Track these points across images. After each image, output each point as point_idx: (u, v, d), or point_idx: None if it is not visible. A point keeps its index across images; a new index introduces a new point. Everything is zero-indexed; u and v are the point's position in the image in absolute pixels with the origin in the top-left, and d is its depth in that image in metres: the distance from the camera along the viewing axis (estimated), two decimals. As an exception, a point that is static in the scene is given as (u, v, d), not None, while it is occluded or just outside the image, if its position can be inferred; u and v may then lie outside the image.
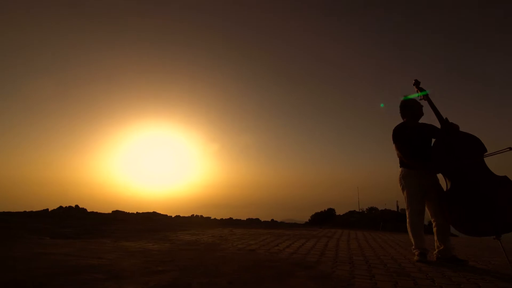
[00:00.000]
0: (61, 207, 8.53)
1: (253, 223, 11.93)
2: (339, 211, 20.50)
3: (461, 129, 3.24)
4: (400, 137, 3.32)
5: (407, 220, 3.25)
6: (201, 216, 13.92)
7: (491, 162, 3.06)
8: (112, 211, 9.64)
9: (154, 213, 10.98)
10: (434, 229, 3.16)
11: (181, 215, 13.08)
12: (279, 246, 4.07)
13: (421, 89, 3.56)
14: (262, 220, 14.50)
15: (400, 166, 3.34)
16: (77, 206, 8.86)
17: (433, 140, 3.30)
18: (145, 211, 11.10)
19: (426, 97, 3.47)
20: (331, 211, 21.12)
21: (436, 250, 3.11)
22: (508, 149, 2.97)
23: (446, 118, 3.28)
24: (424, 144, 3.29)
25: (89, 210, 8.97)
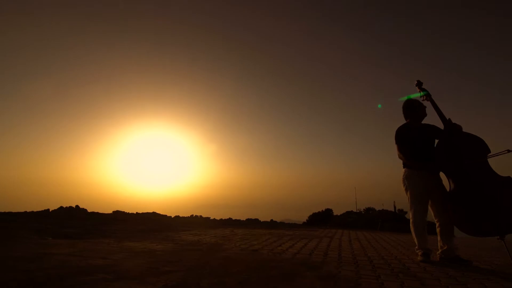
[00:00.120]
0: (61, 207, 8.50)
1: (253, 223, 11.92)
2: (337, 212, 20.52)
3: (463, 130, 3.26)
4: (403, 138, 3.33)
5: (410, 220, 3.27)
6: (201, 216, 13.89)
7: (491, 163, 3.08)
8: (113, 211, 9.62)
9: (154, 213, 10.95)
10: (438, 230, 3.16)
11: (181, 215, 13.06)
12: (282, 246, 4.07)
13: (423, 90, 3.58)
14: (261, 221, 14.50)
15: (404, 167, 3.35)
16: (77, 206, 8.84)
17: (436, 140, 3.32)
18: (144, 211, 11.08)
19: (429, 98, 3.49)
20: (328, 212, 21.12)
21: (440, 250, 3.12)
22: (507, 152, 2.99)
23: (449, 119, 3.30)
24: (427, 145, 3.30)
25: (89, 210, 8.96)
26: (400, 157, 3.32)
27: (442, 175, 3.24)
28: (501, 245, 2.85)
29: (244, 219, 14.20)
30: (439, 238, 3.15)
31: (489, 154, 3.05)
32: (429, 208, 3.25)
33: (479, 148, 3.09)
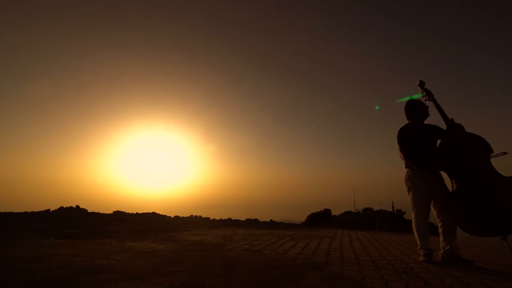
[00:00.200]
0: (62, 207, 8.49)
1: (252, 223, 11.93)
2: (335, 212, 20.58)
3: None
4: (405, 138, 3.34)
5: (413, 220, 3.27)
6: (200, 216, 13.89)
7: (493, 163, 3.09)
8: (113, 212, 9.61)
9: (154, 214, 10.95)
10: (440, 230, 3.18)
11: (180, 215, 13.06)
12: (284, 246, 4.08)
13: (426, 90, 3.58)
14: (261, 221, 14.51)
15: (406, 167, 3.35)
16: (78, 206, 8.83)
17: (439, 141, 3.33)
18: (144, 212, 11.08)
19: (431, 98, 3.50)
20: (327, 212, 21.16)
21: (442, 251, 3.13)
22: (503, 154, 3.01)
23: (451, 119, 3.31)
24: (429, 145, 3.30)
25: (89, 210, 8.95)
26: (401, 157, 3.32)
27: (444, 175, 3.25)
28: (503, 245, 2.87)
29: (244, 219, 14.21)
30: (441, 238, 3.16)
31: (490, 156, 3.06)
32: (431, 208, 3.26)
33: (481, 148, 3.10)
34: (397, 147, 3.36)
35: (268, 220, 15.08)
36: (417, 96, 3.63)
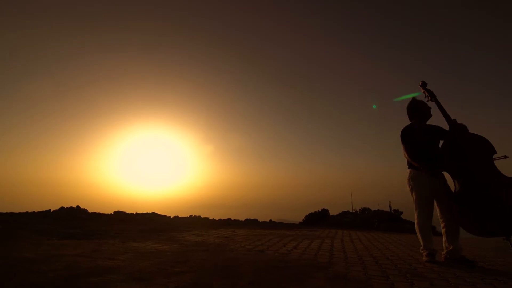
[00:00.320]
0: (62, 207, 8.45)
1: (252, 223, 11.91)
2: (332, 212, 20.56)
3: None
4: (408, 138, 3.34)
5: (415, 221, 3.28)
6: (200, 216, 13.86)
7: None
8: (114, 212, 9.58)
9: (154, 214, 10.91)
10: (443, 230, 3.18)
11: (180, 215, 13.02)
12: (286, 246, 4.08)
13: (428, 91, 3.59)
14: (260, 221, 14.50)
15: (409, 167, 3.36)
16: (78, 206, 8.79)
17: (442, 141, 3.34)
18: (144, 212, 11.04)
19: (433, 98, 3.50)
20: (325, 212, 21.14)
21: (445, 251, 3.14)
22: (503, 157, 3.02)
23: (454, 119, 3.32)
24: (432, 146, 3.31)
25: (89, 211, 8.91)
26: (406, 157, 3.32)
27: (447, 176, 3.26)
28: (504, 245, 2.88)
29: (243, 219, 14.20)
30: (444, 238, 3.16)
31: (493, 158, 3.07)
32: (434, 208, 3.27)
33: (484, 148, 3.11)
34: (401, 147, 3.37)
35: (267, 220, 15.07)
36: (414, 95, 3.64)
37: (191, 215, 13.83)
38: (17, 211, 8.11)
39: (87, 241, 3.86)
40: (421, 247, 3.23)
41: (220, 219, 13.23)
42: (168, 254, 3.09)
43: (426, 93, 3.60)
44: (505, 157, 3.01)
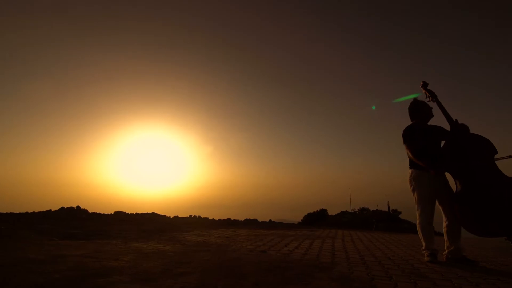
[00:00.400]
0: (63, 208, 8.44)
1: (252, 223, 11.92)
2: (331, 212, 20.61)
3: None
4: (410, 138, 3.35)
5: (417, 221, 3.30)
6: (199, 216, 13.86)
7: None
8: (114, 212, 9.57)
9: (154, 214, 10.91)
10: (444, 230, 3.20)
11: (179, 215, 13.02)
12: (288, 247, 4.09)
13: (429, 91, 3.61)
14: (260, 221, 14.51)
15: (410, 167, 3.37)
16: (78, 207, 8.78)
17: (443, 141, 3.36)
18: (144, 212, 11.04)
19: (435, 99, 3.52)
20: (323, 212, 21.19)
21: (446, 251, 3.16)
22: (508, 157, 3.04)
23: (456, 120, 3.34)
24: (433, 146, 3.32)
25: (89, 211, 8.91)
26: (410, 157, 3.30)
27: (448, 176, 3.28)
28: (505, 245, 2.90)
29: (243, 219, 14.21)
30: (445, 238, 3.18)
31: (495, 158, 3.09)
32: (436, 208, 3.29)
33: (485, 149, 3.13)
34: (403, 147, 3.38)
35: (266, 220, 15.08)
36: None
37: (191, 215, 13.82)
38: (17, 211, 8.11)
39: (89, 242, 3.86)
40: (423, 247, 3.24)
41: (220, 219, 13.23)
42: (171, 255, 3.09)
43: (427, 94, 3.62)
44: (510, 157, 3.02)
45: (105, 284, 1.95)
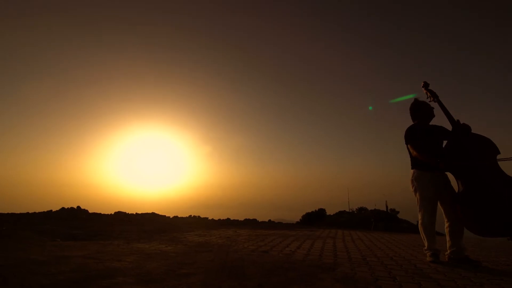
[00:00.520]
0: (63, 208, 8.42)
1: (252, 223, 11.92)
2: (329, 211, 20.64)
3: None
4: (412, 138, 3.35)
5: (419, 221, 3.30)
6: (199, 216, 13.86)
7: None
8: (114, 212, 9.56)
9: (154, 214, 10.90)
10: (447, 230, 3.20)
11: (179, 215, 13.01)
12: (290, 247, 4.10)
13: (430, 91, 3.61)
14: (259, 220, 14.51)
15: (412, 168, 3.37)
16: (79, 207, 8.76)
17: (445, 142, 3.36)
18: (144, 212, 11.04)
19: (436, 99, 3.52)
20: (322, 211, 21.21)
21: (449, 251, 3.16)
22: None
23: (457, 120, 3.34)
24: (435, 146, 3.32)
25: (90, 211, 8.89)
26: (416, 155, 3.25)
27: (450, 176, 3.28)
28: (508, 245, 2.91)
29: (242, 219, 14.20)
30: (448, 238, 3.18)
31: (498, 158, 3.10)
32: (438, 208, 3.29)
33: (488, 149, 3.13)
34: (404, 147, 3.39)
35: (265, 219, 15.08)
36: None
37: (191, 215, 13.82)
38: (18, 212, 8.09)
39: (91, 242, 3.86)
40: (425, 248, 3.25)
41: (219, 219, 13.22)
42: (174, 255, 3.09)
43: (429, 94, 3.61)
44: None
45: (109, 286, 1.94)
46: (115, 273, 2.25)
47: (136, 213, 10.54)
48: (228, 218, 13.90)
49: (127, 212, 10.03)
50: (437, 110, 3.47)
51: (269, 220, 15.04)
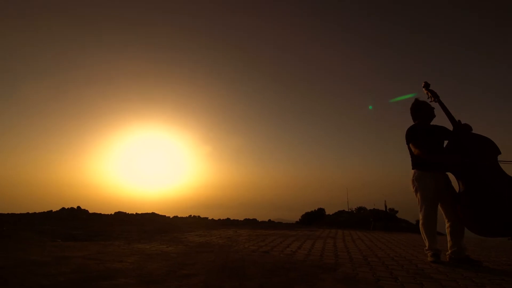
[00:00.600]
0: (63, 208, 8.41)
1: (252, 223, 11.92)
2: (329, 211, 20.66)
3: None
4: (413, 138, 3.34)
5: (420, 221, 3.29)
6: (199, 216, 13.85)
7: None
8: (115, 212, 9.55)
9: (153, 214, 10.89)
10: (447, 230, 3.20)
11: (179, 215, 13.00)
12: (290, 247, 4.09)
13: (431, 91, 3.60)
14: (259, 220, 14.50)
15: (413, 168, 3.37)
16: (79, 207, 8.75)
17: (446, 142, 3.36)
18: (143, 212, 11.03)
19: (437, 99, 3.51)
20: (321, 211, 21.21)
21: (450, 251, 3.16)
22: None
23: (459, 120, 3.34)
24: (436, 146, 3.32)
25: (90, 211, 8.87)
26: (418, 155, 3.22)
27: (451, 176, 3.28)
28: (508, 245, 2.91)
29: (242, 219, 14.19)
30: (448, 238, 3.18)
31: (499, 161, 3.09)
32: (439, 208, 3.29)
33: (489, 149, 3.13)
34: (405, 147, 3.38)
35: (265, 219, 15.08)
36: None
37: (190, 215, 13.81)
38: (18, 212, 8.08)
39: (92, 243, 3.85)
40: (426, 248, 3.24)
41: (219, 219, 13.22)
42: (175, 256, 3.08)
43: (429, 94, 3.61)
44: None
45: (110, 287, 1.93)
46: (116, 274, 2.24)
47: (136, 213, 10.53)
48: (228, 218, 13.90)
49: (127, 212, 10.03)
50: (438, 110, 3.46)
51: (269, 220, 15.03)
